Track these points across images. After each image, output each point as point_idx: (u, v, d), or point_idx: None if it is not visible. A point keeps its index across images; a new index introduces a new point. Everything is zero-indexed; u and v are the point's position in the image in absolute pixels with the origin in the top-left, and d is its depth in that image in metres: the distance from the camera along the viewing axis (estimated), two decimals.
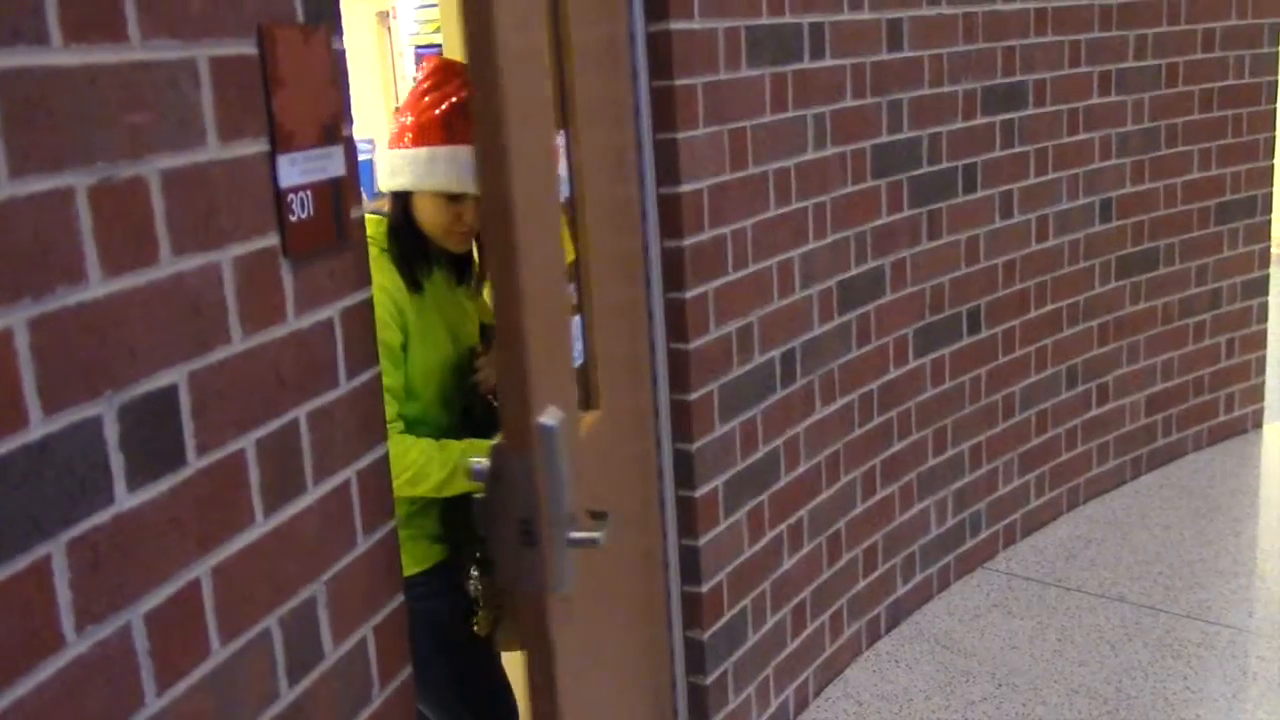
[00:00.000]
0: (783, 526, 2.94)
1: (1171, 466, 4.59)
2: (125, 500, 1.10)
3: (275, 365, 1.31)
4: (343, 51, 1.43)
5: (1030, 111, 3.78)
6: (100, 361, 1.07)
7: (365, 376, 1.48)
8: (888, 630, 3.47)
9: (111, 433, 1.09)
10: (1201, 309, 4.60)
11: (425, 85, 2.15)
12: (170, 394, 1.16)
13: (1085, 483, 4.27)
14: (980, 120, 3.59)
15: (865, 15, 3.11)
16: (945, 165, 3.49)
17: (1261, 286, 4.81)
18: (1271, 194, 4.75)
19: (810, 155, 2.96)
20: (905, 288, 3.40)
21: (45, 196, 1.01)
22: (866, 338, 3.25)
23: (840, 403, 3.16)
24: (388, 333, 2.08)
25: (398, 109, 2.19)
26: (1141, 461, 4.50)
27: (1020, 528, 4.01)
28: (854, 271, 3.17)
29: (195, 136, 1.18)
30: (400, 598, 1.58)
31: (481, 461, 1.64)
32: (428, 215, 2.17)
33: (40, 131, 1.00)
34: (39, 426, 1.01)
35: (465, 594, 2.22)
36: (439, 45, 2.86)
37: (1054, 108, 3.87)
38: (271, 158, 1.29)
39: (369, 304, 1.49)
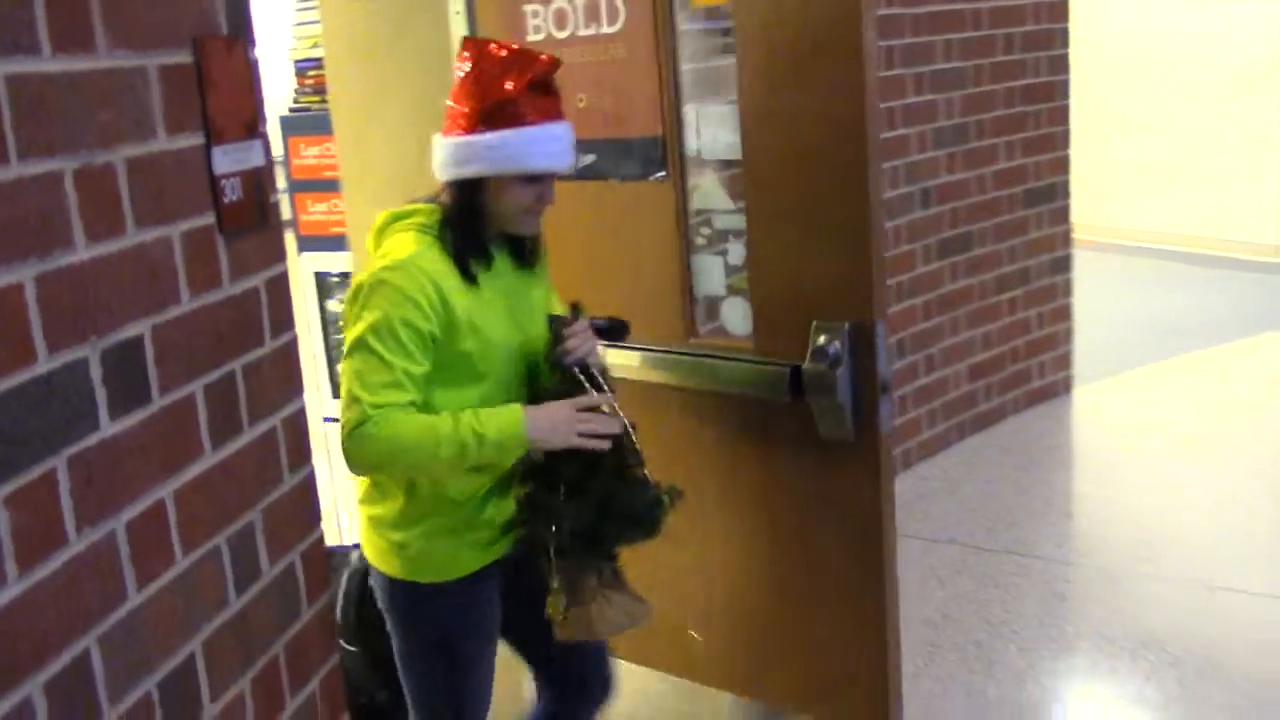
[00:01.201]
0: None
1: (993, 428, 5.06)
2: (108, 428, 1.35)
3: (216, 324, 1.56)
4: (257, 61, 1.69)
5: None
6: (86, 312, 1.32)
7: (285, 338, 1.74)
8: None
9: (96, 372, 1.33)
10: (1014, 285, 5.09)
11: (484, 68, 2.07)
12: (138, 343, 1.41)
13: (918, 445, 4.71)
14: None
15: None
16: None
17: (1065, 264, 5.34)
18: (1069, 181, 5.27)
19: None
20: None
21: (44, 177, 1.26)
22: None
23: None
24: (418, 315, 2.01)
25: (454, 97, 2.10)
26: (966, 424, 4.96)
27: None
28: None
29: (149, 130, 1.43)
30: (319, 531, 1.84)
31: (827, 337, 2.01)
32: (507, 199, 2.09)
33: (39, 124, 1.25)
34: (45, 362, 1.25)
35: (539, 577, 2.14)
36: (318, 59, 3.11)
37: (881, 104, 4.28)
38: (207, 149, 1.54)
39: (285, 276, 1.75)
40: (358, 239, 3.03)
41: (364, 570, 2.97)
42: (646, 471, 2.11)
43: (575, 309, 2.19)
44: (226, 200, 1.58)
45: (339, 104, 3.04)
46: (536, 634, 2.25)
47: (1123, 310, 6.83)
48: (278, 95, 3.29)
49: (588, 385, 2.10)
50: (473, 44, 2.13)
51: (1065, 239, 5.33)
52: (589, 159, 2.92)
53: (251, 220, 1.65)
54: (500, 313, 2.13)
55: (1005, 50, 4.86)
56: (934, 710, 3.09)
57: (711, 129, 2.86)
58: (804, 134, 2.46)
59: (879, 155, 2.42)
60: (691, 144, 2.85)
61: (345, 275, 3.41)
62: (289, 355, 1.75)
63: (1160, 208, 8.59)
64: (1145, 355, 5.95)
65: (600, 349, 2.21)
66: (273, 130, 3.34)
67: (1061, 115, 5.17)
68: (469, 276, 2.09)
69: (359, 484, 2.26)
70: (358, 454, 2.01)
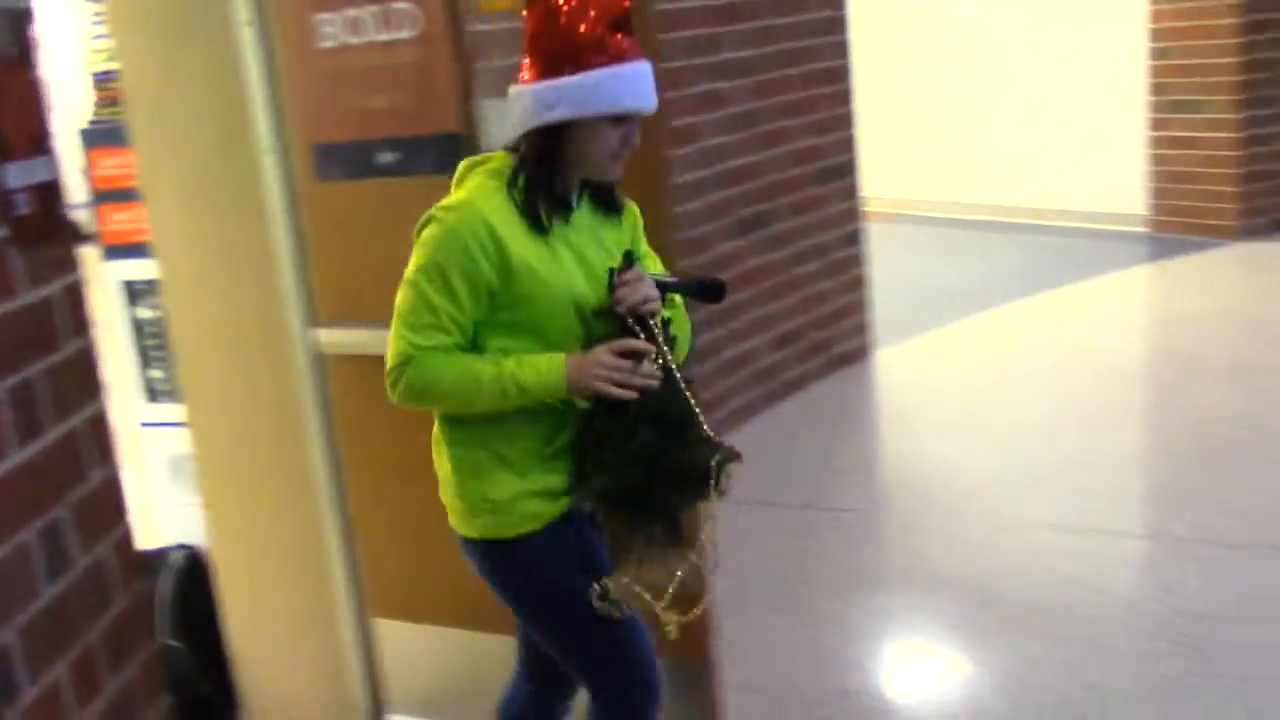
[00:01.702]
0: None
1: (799, 394, 5.37)
2: None
3: (15, 330, 1.66)
4: (43, 80, 1.79)
5: None
6: None
7: (83, 343, 1.84)
8: None
9: None
10: (811, 259, 5.40)
11: (560, 10, 1.98)
12: None
13: (729, 414, 4.97)
14: None
15: None
16: None
17: (858, 237, 5.68)
18: (856, 158, 5.61)
19: None
20: None
21: None
22: None
23: None
24: (467, 260, 1.98)
25: (528, 46, 2.03)
26: (773, 393, 5.25)
27: None
28: None
29: None
30: (127, 524, 1.94)
31: None
32: (593, 143, 2.01)
33: None
34: None
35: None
36: (111, 72, 3.15)
37: (671, 94, 4.51)
38: None
39: (80, 284, 1.85)
40: (163, 246, 3.09)
41: (187, 568, 3.06)
42: (707, 430, 2.03)
43: (629, 257, 2.08)
44: (19, 214, 1.67)
45: (134, 115, 3.09)
46: None
47: (918, 278, 7.29)
48: (76, 108, 3.31)
49: (638, 333, 2.02)
50: None
51: (857, 213, 5.67)
52: (390, 157, 3.05)
53: (45, 232, 1.74)
54: (571, 264, 2.05)
55: (791, 38, 5.15)
56: (749, 654, 3.33)
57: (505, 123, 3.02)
58: None
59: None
60: (487, 138, 3.00)
61: (151, 283, 3.45)
62: (88, 359, 1.85)
63: (948, 179, 9.13)
64: (939, 319, 6.37)
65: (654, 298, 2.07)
66: (73, 143, 3.37)
67: (845, 98, 5.50)
68: (539, 226, 2.02)
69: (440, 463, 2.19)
70: (399, 389, 2.03)
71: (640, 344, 2.01)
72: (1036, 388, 5.29)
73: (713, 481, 1.97)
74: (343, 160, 3.02)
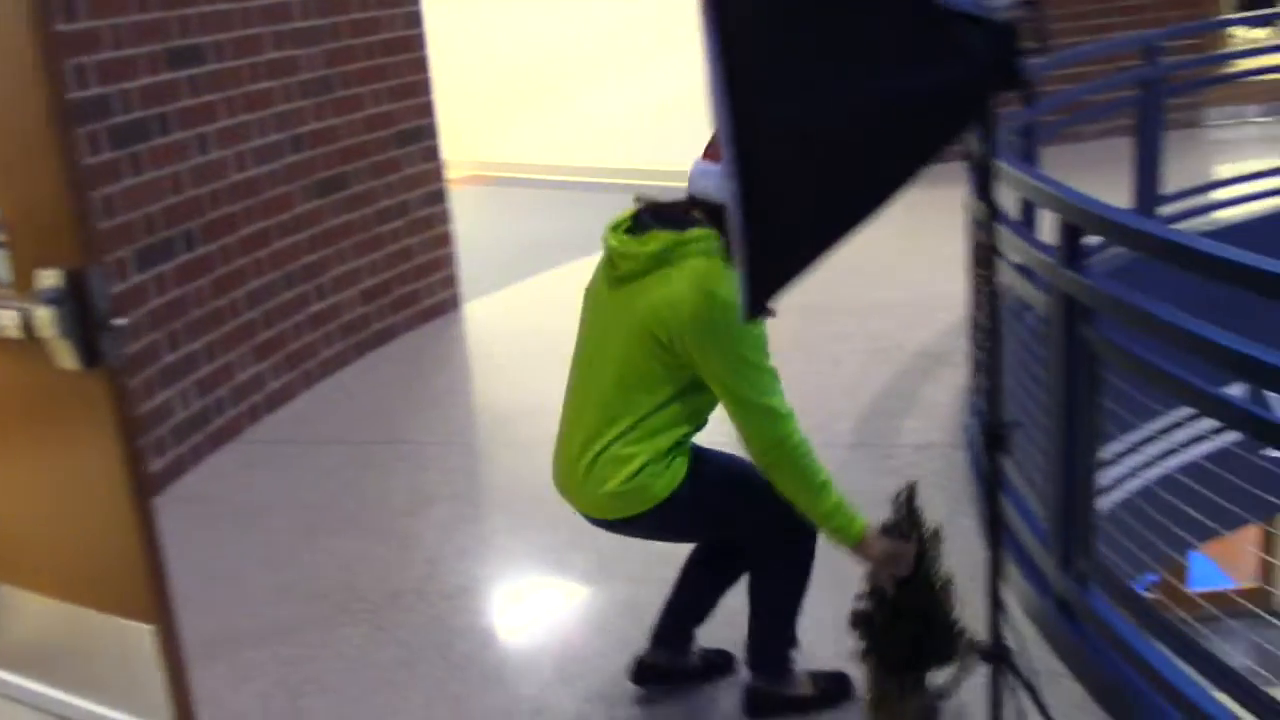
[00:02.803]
0: None
1: (389, 345, 5.74)
2: None
3: None
4: None
5: (213, 66, 4.60)
6: None
7: None
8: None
9: None
10: (395, 216, 5.76)
11: None
12: None
13: (317, 365, 5.27)
14: (165, 76, 4.34)
15: None
16: (139, 114, 4.21)
17: (440, 196, 6.09)
18: (436, 123, 6.01)
19: None
20: (118, 217, 4.10)
21: None
22: None
23: None
24: (761, 327, 2.40)
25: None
26: (363, 344, 5.60)
27: (264, 406, 4.91)
28: None
29: None
30: None
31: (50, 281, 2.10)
32: None
33: None
34: None
35: None
36: None
37: (235, 62, 4.73)
38: None
39: None
40: None
41: None
42: (955, 616, 2.58)
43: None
44: None
45: None
46: None
47: (509, 236, 7.82)
48: None
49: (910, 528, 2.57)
50: None
51: (438, 174, 6.07)
52: None
53: None
54: None
55: (361, 9, 5.46)
56: (320, 570, 3.68)
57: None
58: None
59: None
60: None
61: None
62: None
63: (537, 143, 9.77)
64: (528, 272, 6.90)
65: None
66: None
67: (420, 65, 5.88)
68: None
69: (592, 460, 2.55)
70: (795, 440, 2.44)
71: (906, 546, 2.53)
72: None
73: (957, 661, 2.58)
74: None
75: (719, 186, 2.18)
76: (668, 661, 2.93)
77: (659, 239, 2.45)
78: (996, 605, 2.32)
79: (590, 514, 2.66)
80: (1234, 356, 2.13)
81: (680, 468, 2.54)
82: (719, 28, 1.65)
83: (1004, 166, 3.17)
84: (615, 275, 2.55)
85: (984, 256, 2.13)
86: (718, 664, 2.99)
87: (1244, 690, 2.35)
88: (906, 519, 2.62)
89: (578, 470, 2.58)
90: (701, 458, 2.61)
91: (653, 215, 2.52)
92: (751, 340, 2.41)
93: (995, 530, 2.28)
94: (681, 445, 2.57)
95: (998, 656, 2.36)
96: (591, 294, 2.71)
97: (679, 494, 2.54)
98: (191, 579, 3.66)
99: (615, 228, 2.57)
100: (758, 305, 1.81)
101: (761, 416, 2.43)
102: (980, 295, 3.82)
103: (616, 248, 2.52)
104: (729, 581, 2.87)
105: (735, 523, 2.67)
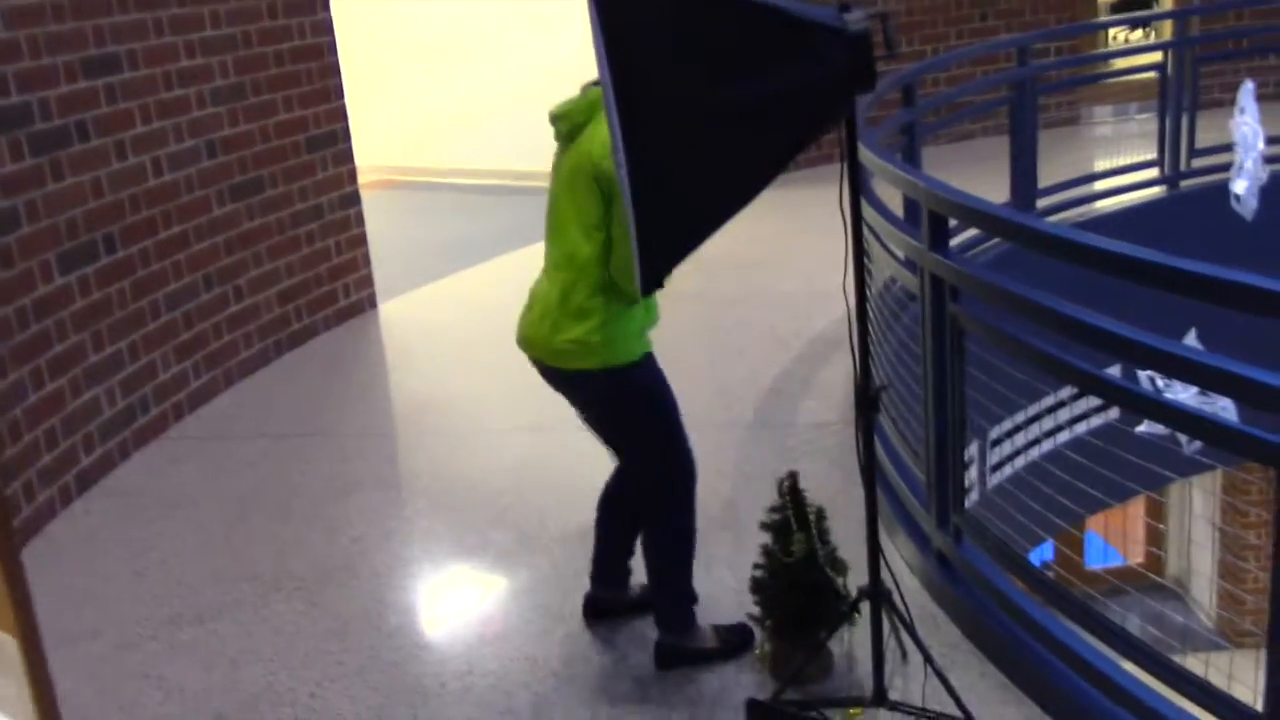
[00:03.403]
0: None
1: (308, 345, 5.89)
2: None
3: None
4: None
5: (128, 75, 4.74)
6: None
7: None
8: (79, 493, 4.34)
9: None
10: (309, 220, 5.92)
11: None
12: None
13: (237, 365, 5.42)
14: (83, 84, 4.48)
15: None
16: (58, 122, 4.34)
17: (354, 199, 6.26)
18: (348, 127, 6.18)
19: None
20: (41, 221, 4.22)
21: None
22: (10, 263, 4.04)
23: None
24: None
25: None
26: (282, 344, 5.75)
27: (187, 405, 5.05)
28: None
29: None
30: None
31: None
32: None
33: None
34: None
35: None
36: None
37: (149, 70, 4.86)
38: None
39: None
40: None
41: None
42: (842, 583, 2.88)
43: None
44: None
45: None
46: None
47: (420, 237, 8.01)
48: None
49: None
50: None
51: (351, 177, 6.24)
52: None
53: None
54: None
55: (270, 17, 5.62)
56: (255, 555, 3.85)
57: None
58: None
59: None
60: None
61: None
62: None
63: (445, 148, 9.97)
64: (439, 272, 7.09)
65: None
66: None
67: (332, 70, 6.04)
68: None
69: (550, 322, 2.87)
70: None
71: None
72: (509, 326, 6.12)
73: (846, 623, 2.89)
74: None
75: None
76: (609, 597, 3.31)
77: (593, 91, 2.80)
78: (875, 549, 2.60)
79: (546, 361, 2.95)
80: (1082, 328, 2.44)
81: (635, 349, 2.87)
82: (606, 32, 1.90)
83: (880, 162, 3.47)
84: (562, 135, 2.88)
85: (854, 241, 2.40)
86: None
87: (1096, 621, 2.66)
88: (790, 502, 2.92)
89: (546, 321, 2.89)
90: (652, 369, 2.93)
91: (588, 86, 2.87)
92: None
93: (870, 479, 2.56)
94: (636, 322, 2.87)
95: (876, 595, 2.65)
96: (552, 168, 2.98)
97: (622, 371, 2.85)
98: (124, 568, 3.84)
99: (563, 104, 2.89)
100: (650, 278, 2.07)
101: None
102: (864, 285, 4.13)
103: (556, 111, 2.86)
104: (632, 522, 3.18)
105: (638, 435, 2.99)
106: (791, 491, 2.89)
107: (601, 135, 2.70)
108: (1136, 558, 10.20)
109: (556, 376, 2.94)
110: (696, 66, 1.98)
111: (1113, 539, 9.87)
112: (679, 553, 3.05)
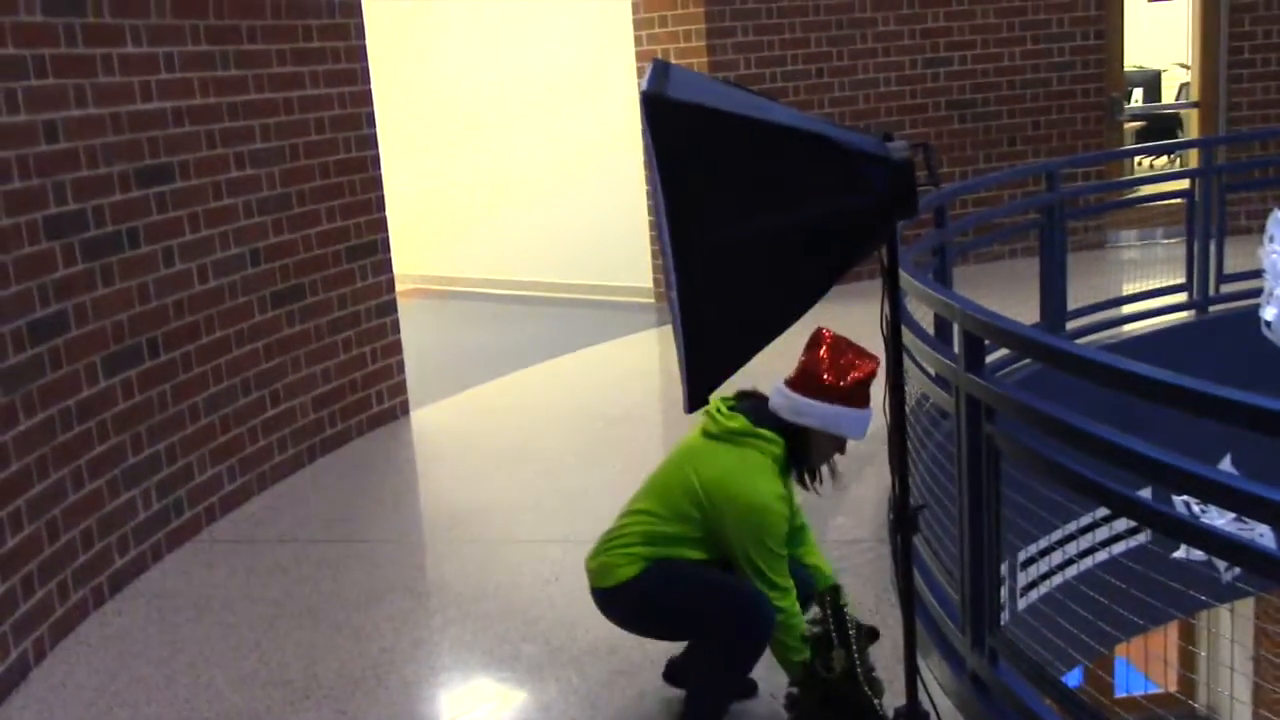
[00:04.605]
0: (3, 513, 3.74)
1: (341, 450, 5.94)
2: None
3: None
4: None
5: (179, 184, 4.89)
6: None
7: None
8: (112, 594, 4.36)
9: None
10: (346, 327, 6.02)
11: (829, 356, 3.03)
12: None
13: (270, 469, 5.46)
14: (135, 193, 4.62)
15: (22, 117, 4.01)
16: (110, 229, 4.47)
17: (391, 307, 6.37)
18: (388, 238, 6.33)
19: None
20: (89, 324, 4.32)
21: None
22: (58, 365, 4.13)
23: (41, 416, 4.01)
24: (784, 524, 3.06)
25: (806, 365, 3.08)
26: (316, 449, 5.80)
27: (219, 508, 5.09)
28: (39, 314, 4.04)
29: None
30: None
31: None
32: (822, 447, 3.15)
33: None
34: None
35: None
36: None
37: (199, 180, 5.02)
38: None
39: None
40: None
41: None
42: (879, 705, 2.87)
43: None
44: None
45: None
46: None
47: (453, 346, 8.11)
48: None
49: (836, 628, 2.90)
50: (830, 338, 3.08)
51: (389, 286, 6.36)
52: None
53: None
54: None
55: (317, 131, 5.79)
56: (287, 659, 3.85)
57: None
58: None
59: None
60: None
61: None
62: None
63: (479, 258, 10.16)
64: (471, 381, 7.17)
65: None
66: None
67: (373, 184, 6.20)
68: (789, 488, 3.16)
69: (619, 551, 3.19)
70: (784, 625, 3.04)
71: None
72: (549, 433, 6.18)
73: None
74: None
75: (791, 410, 3.07)
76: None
77: (740, 421, 3.14)
78: (913, 670, 2.59)
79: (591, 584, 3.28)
80: (1125, 453, 2.46)
81: (642, 559, 3.12)
82: (662, 164, 1.97)
83: (915, 283, 3.53)
84: (705, 430, 3.21)
85: (893, 360, 2.44)
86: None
87: None
88: (832, 617, 2.92)
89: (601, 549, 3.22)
90: (673, 561, 3.12)
91: (749, 404, 3.21)
92: (772, 530, 3.04)
93: (908, 600, 2.56)
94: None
95: (913, 717, 2.63)
96: (687, 439, 3.29)
97: (640, 578, 3.07)
98: (155, 671, 3.84)
99: (724, 399, 3.22)
100: (696, 396, 2.11)
101: (769, 589, 3.04)
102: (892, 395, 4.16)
103: (713, 412, 3.19)
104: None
105: (697, 617, 3.13)
106: (833, 606, 2.89)
107: (723, 467, 3.09)
108: (1167, 683, 9.99)
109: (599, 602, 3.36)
110: (746, 191, 2.05)
111: (1143, 663, 9.70)
112: (732, 680, 3.19)
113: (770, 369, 3.09)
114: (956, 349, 3.10)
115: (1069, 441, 2.66)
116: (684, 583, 3.11)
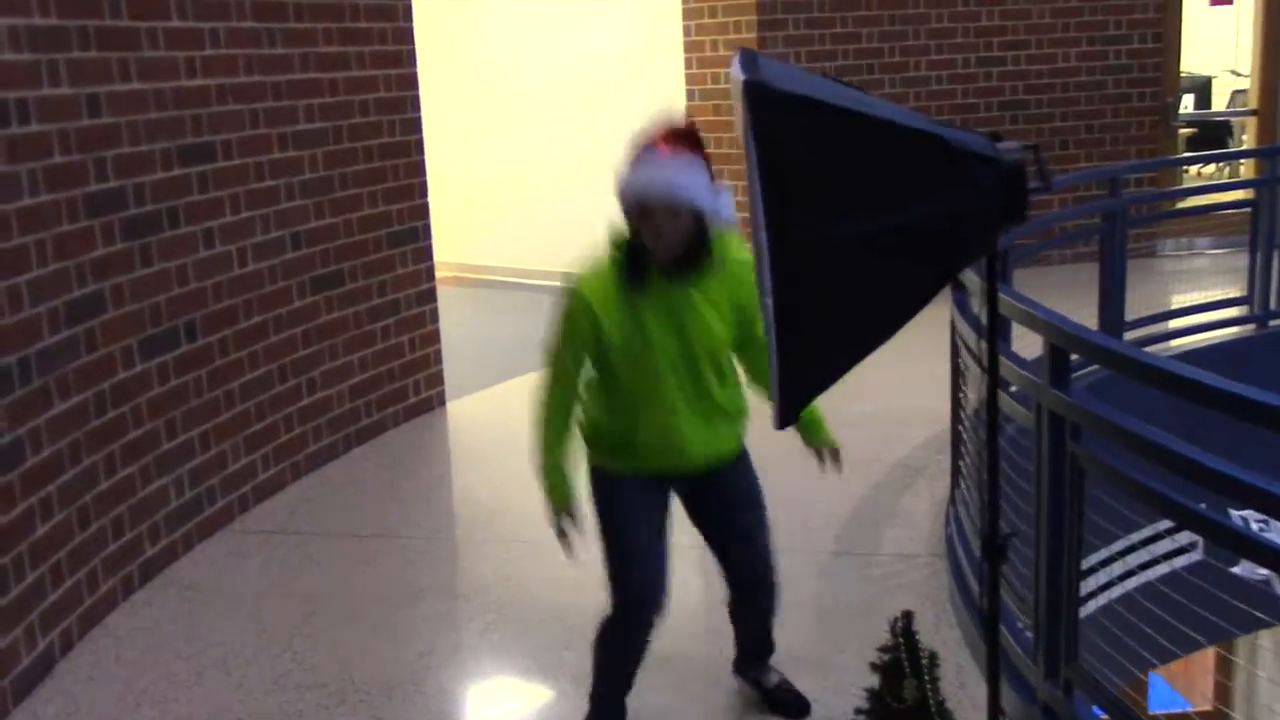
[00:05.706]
0: (34, 500, 3.62)
1: (376, 440, 5.81)
2: None
3: None
4: None
5: (220, 164, 4.75)
6: None
7: None
8: (142, 584, 4.23)
9: None
10: (386, 315, 5.89)
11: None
12: None
13: (305, 458, 5.33)
14: (177, 172, 4.49)
15: (65, 90, 3.88)
16: (150, 208, 4.34)
17: (430, 296, 6.23)
18: (429, 224, 6.18)
19: (27, 201, 3.67)
20: (125, 306, 4.20)
21: None
22: (94, 346, 4.00)
23: (76, 400, 3.88)
24: (570, 323, 2.86)
25: None
26: (352, 438, 5.67)
27: (252, 497, 4.96)
28: (76, 294, 3.92)
29: None
30: None
31: None
32: (643, 228, 2.77)
33: None
34: None
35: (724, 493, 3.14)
36: None
37: (241, 160, 4.88)
38: None
39: None
40: None
41: None
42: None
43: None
44: None
45: None
46: (713, 534, 3.14)
47: (490, 334, 7.96)
48: None
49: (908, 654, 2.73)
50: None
51: (429, 274, 6.22)
52: None
53: None
54: (655, 320, 2.80)
55: (362, 114, 5.65)
56: (321, 660, 3.72)
57: None
58: None
59: None
60: None
61: None
62: None
63: (520, 247, 9.99)
64: (509, 372, 7.01)
65: None
66: None
67: (415, 169, 6.06)
68: (631, 286, 2.81)
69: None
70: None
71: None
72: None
73: None
74: None
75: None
76: (753, 672, 3.35)
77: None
78: (996, 708, 2.42)
79: None
80: (1208, 473, 2.29)
81: (595, 454, 3.11)
82: (764, 159, 1.81)
83: (1002, 296, 3.35)
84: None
85: (991, 384, 2.28)
86: (787, 700, 3.28)
87: None
88: (905, 644, 2.75)
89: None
90: (605, 488, 3.10)
91: None
92: (559, 319, 2.96)
93: (993, 634, 2.40)
94: (614, 433, 3.02)
95: None
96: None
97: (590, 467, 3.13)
98: (184, 667, 3.71)
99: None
100: (790, 412, 1.95)
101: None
102: (960, 409, 4.00)
103: None
104: (740, 617, 3.27)
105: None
106: (905, 633, 2.73)
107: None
108: (1200, 703, 9.77)
109: None
110: (849, 190, 1.89)
111: (1178, 683, 9.49)
112: (600, 682, 3.17)
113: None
114: (1043, 365, 2.92)
115: (1150, 457, 2.50)
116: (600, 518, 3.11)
